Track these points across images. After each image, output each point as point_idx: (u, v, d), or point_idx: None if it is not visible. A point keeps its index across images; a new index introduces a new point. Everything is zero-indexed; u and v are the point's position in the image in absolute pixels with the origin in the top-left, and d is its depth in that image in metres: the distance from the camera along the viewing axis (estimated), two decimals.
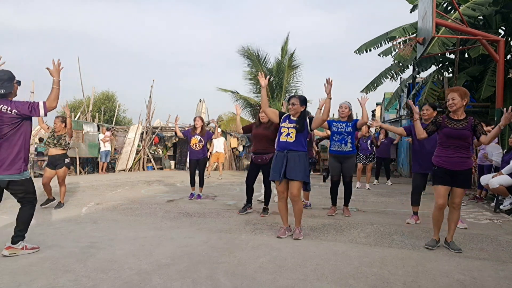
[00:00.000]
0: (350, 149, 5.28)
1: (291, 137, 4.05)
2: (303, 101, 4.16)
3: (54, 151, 5.87)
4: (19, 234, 3.44)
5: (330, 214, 5.41)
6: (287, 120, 4.18)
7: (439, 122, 3.77)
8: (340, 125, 5.32)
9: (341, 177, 5.45)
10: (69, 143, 6.01)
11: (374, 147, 9.70)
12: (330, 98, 4.04)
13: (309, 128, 4.16)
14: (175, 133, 7.33)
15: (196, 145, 6.92)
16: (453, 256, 3.45)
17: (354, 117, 5.59)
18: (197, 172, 7.01)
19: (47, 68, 3.51)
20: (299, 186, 4.02)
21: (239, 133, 5.21)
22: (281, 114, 4.34)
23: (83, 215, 5.30)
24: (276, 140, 4.30)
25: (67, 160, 5.95)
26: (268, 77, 4.49)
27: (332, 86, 4.02)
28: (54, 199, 5.97)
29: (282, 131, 4.15)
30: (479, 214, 5.64)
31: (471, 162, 3.69)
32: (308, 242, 3.91)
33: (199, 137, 6.94)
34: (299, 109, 4.13)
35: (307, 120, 4.16)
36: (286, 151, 4.05)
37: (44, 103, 3.35)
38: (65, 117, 6.08)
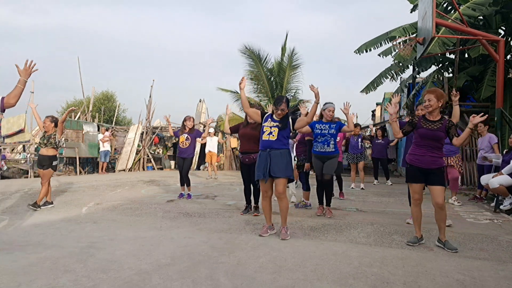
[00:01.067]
0: (333, 149, 5.30)
1: (273, 135, 4.11)
2: (288, 103, 4.24)
3: (44, 151, 5.78)
4: None
5: (319, 214, 5.41)
6: (269, 119, 4.22)
7: (415, 122, 3.89)
8: (324, 126, 5.32)
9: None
10: (59, 140, 5.93)
11: (365, 147, 9.69)
12: (318, 103, 4.12)
13: (291, 127, 4.20)
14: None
15: (183, 143, 6.93)
16: (453, 256, 3.46)
17: (339, 119, 5.60)
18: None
19: (16, 66, 3.37)
20: (284, 183, 4.07)
21: (227, 133, 5.23)
22: (263, 114, 4.39)
23: (83, 215, 5.30)
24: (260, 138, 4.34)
25: (55, 162, 5.85)
26: (243, 78, 4.51)
27: (318, 93, 4.10)
28: (52, 202, 5.92)
29: (264, 130, 4.19)
30: (479, 214, 5.64)
31: (442, 161, 3.81)
32: (308, 242, 3.91)
33: (186, 135, 6.96)
34: (286, 110, 4.19)
35: (290, 120, 4.20)
36: (268, 150, 4.10)
37: (2, 98, 3.21)
38: (55, 118, 6.02)
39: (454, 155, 6.50)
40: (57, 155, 5.98)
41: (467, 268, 3.12)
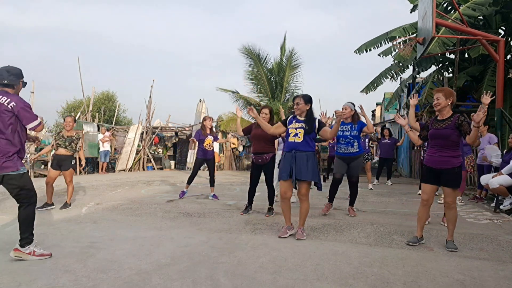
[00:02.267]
0: (357, 149, 5.27)
1: (299, 137, 4.07)
2: (308, 99, 4.17)
3: (63, 151, 5.84)
4: (24, 237, 3.25)
5: (324, 213, 5.41)
6: (294, 121, 4.18)
7: (428, 124, 3.90)
8: (345, 127, 5.29)
9: (347, 176, 5.46)
10: (78, 148, 6.06)
11: (371, 147, 9.69)
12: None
13: (316, 130, 4.15)
14: (175, 133, 7.40)
15: (209, 146, 6.92)
16: (453, 256, 3.46)
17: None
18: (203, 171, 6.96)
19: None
20: (307, 186, 4.06)
21: (240, 135, 5.23)
22: (285, 120, 4.36)
23: (83, 215, 5.30)
24: (285, 141, 4.32)
25: (73, 162, 5.95)
26: (250, 109, 4.61)
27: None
28: (53, 204, 5.90)
29: (289, 132, 4.15)
30: (479, 214, 5.64)
31: (456, 161, 3.68)
32: (308, 242, 3.91)
33: (212, 137, 6.95)
34: (304, 108, 4.13)
35: (316, 123, 4.14)
36: (294, 151, 4.06)
37: (40, 123, 3.27)
38: (74, 117, 6.19)
39: (466, 156, 6.42)
40: (73, 155, 6.05)
41: (467, 268, 3.12)
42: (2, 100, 3.14)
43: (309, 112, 4.15)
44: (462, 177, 3.80)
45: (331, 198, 5.56)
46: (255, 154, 5.34)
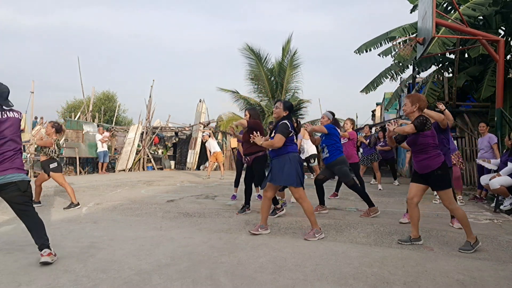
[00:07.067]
0: (327, 155, 5.39)
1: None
2: (287, 107, 4.19)
3: (42, 157, 5.89)
4: (46, 237, 3.20)
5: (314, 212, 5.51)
6: (273, 132, 4.27)
7: None
8: (323, 136, 5.56)
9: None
10: (52, 151, 5.82)
11: (375, 145, 9.54)
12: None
13: (290, 125, 4.10)
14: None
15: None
16: (453, 256, 3.46)
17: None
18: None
19: None
20: (295, 190, 4.07)
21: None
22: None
23: (83, 215, 5.30)
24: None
25: (51, 165, 5.80)
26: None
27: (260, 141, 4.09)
28: (40, 202, 5.98)
29: None
30: (479, 214, 5.64)
31: (434, 163, 3.69)
32: (308, 242, 3.91)
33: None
34: (281, 113, 4.17)
35: (286, 121, 4.08)
36: (271, 158, 4.19)
37: None
38: (60, 124, 6.10)
39: (453, 153, 6.45)
40: (52, 158, 5.87)
41: (467, 268, 3.12)
42: (16, 115, 3.20)
43: (283, 118, 4.12)
44: (449, 176, 3.77)
45: (320, 201, 5.69)
46: (247, 155, 5.46)
